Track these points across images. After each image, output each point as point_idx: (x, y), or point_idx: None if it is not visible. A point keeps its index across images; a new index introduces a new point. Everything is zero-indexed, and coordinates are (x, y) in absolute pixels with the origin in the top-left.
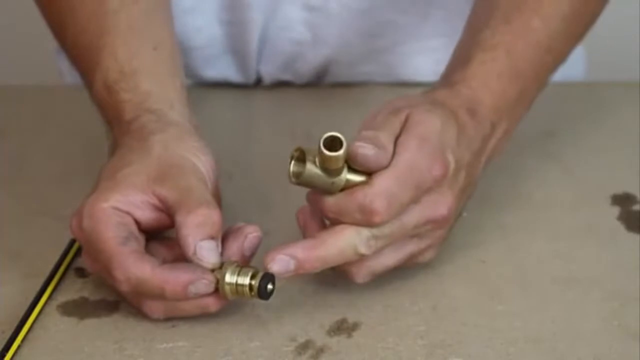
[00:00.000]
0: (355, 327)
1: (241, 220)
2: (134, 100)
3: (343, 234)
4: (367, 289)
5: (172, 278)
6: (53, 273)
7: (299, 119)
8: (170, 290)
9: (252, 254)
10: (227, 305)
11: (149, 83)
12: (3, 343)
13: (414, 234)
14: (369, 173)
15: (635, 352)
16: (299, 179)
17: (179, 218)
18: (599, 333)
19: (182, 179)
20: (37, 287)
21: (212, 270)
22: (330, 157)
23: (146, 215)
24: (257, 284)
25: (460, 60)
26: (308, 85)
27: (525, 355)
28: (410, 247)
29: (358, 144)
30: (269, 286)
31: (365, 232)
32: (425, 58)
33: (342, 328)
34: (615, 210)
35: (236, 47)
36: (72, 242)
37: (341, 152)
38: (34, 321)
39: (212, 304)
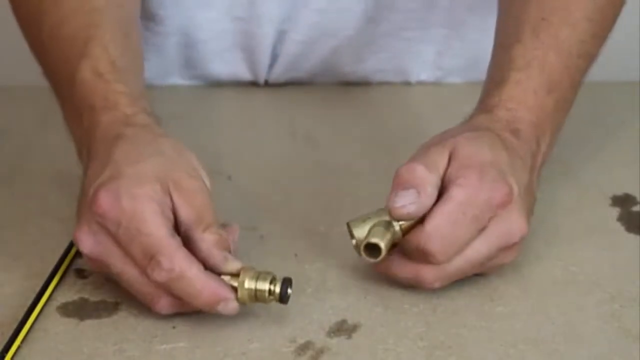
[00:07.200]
0: (355, 328)
1: (240, 223)
2: (131, 95)
3: (409, 270)
4: (367, 290)
5: (213, 288)
6: (53, 274)
7: (299, 119)
8: (205, 298)
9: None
10: None
11: (138, 86)
12: (3, 344)
13: (486, 262)
14: None
15: (635, 354)
16: (359, 248)
17: (197, 235)
18: (598, 334)
19: (197, 194)
20: (37, 288)
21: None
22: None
23: (168, 215)
24: (277, 289)
25: (495, 81)
26: (312, 83)
27: (525, 357)
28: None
29: (397, 204)
30: (288, 291)
31: (429, 274)
32: (428, 47)
33: (342, 329)
34: (615, 211)
35: (246, 44)
36: (72, 243)
37: (381, 257)
38: (34, 322)
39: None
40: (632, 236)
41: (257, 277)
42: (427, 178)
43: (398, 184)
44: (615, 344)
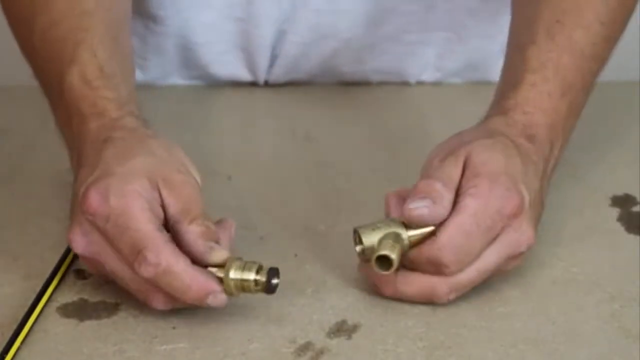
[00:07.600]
0: (355, 328)
1: (240, 223)
2: (119, 100)
3: (421, 286)
4: (367, 290)
5: (201, 281)
6: (53, 274)
7: (299, 119)
8: (193, 293)
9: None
10: (227, 306)
11: (127, 89)
12: (3, 345)
13: (494, 270)
14: None
15: (635, 354)
16: (365, 255)
17: (183, 227)
18: (599, 334)
19: (185, 188)
20: (37, 289)
21: (216, 267)
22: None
23: (157, 211)
24: (263, 279)
25: (510, 83)
26: (312, 83)
27: (525, 357)
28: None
29: (412, 206)
30: (274, 280)
31: (443, 286)
32: (429, 50)
33: (342, 330)
34: (615, 212)
35: (246, 45)
36: None
37: (392, 270)
38: (34, 323)
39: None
40: (632, 236)
41: (243, 267)
42: (444, 192)
43: (415, 194)
44: (615, 344)
